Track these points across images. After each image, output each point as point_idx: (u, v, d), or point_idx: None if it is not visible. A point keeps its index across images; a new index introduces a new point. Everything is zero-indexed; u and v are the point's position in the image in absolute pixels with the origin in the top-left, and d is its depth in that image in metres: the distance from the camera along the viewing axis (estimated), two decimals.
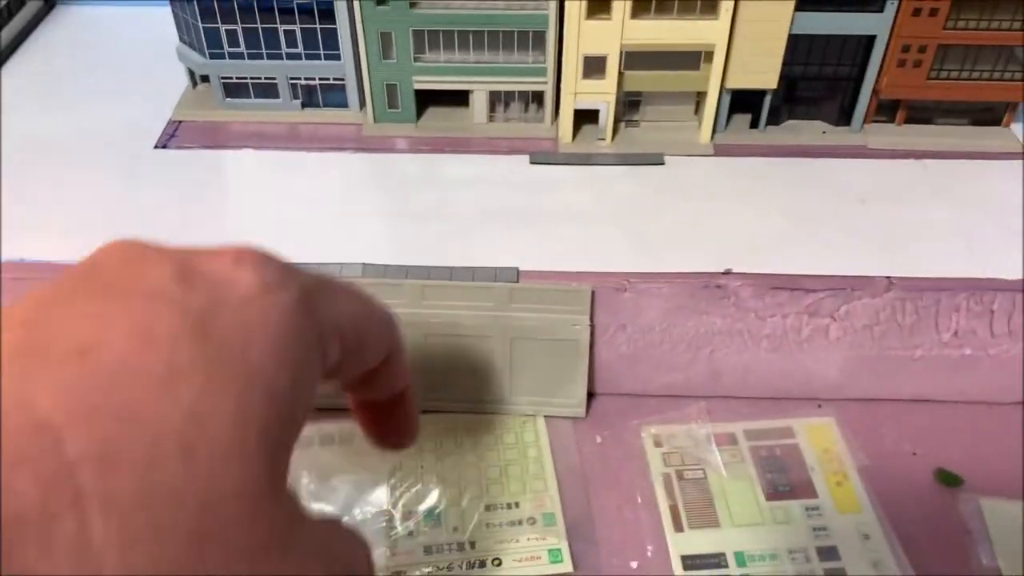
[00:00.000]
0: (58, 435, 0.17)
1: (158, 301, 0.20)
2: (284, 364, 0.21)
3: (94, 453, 0.17)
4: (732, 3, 0.50)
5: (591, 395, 0.51)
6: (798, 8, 0.51)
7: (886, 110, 0.57)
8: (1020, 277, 0.46)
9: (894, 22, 0.52)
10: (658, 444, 0.48)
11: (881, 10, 0.51)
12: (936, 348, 0.48)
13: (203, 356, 0.19)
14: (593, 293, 0.46)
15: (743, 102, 0.56)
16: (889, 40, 0.52)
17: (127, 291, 0.20)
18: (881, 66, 0.53)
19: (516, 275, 0.47)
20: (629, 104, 0.57)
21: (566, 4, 0.51)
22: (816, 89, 0.56)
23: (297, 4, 0.54)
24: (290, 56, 0.56)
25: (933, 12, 0.51)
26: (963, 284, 0.46)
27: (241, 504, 0.19)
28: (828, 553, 0.43)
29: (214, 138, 0.57)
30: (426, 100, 0.58)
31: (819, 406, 0.50)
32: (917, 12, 0.51)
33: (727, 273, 0.47)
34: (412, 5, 0.52)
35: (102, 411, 0.17)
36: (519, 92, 0.56)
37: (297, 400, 0.21)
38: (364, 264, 0.47)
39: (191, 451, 0.18)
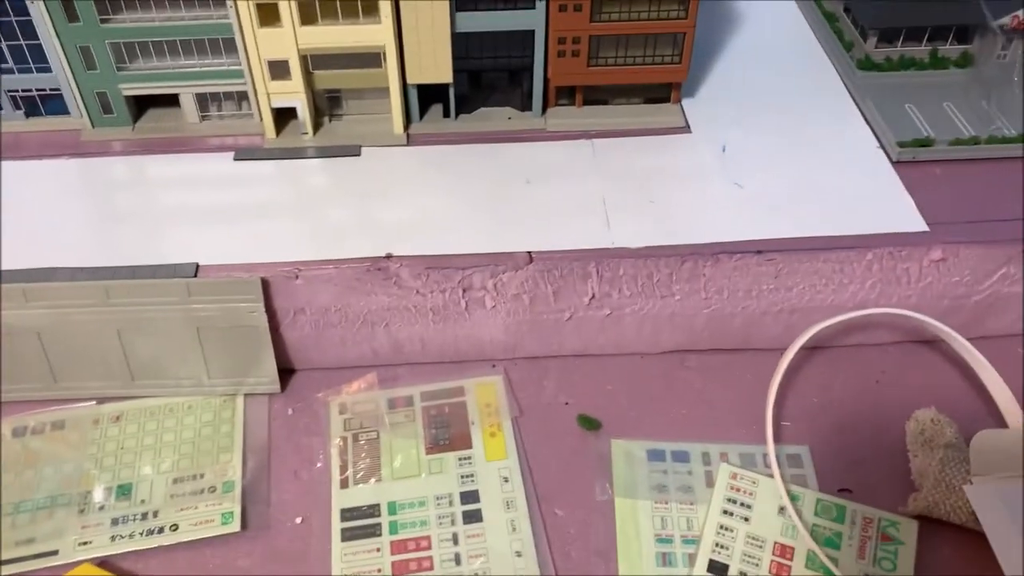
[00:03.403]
0: None
1: None
2: None
3: None
4: (389, 7, 0.54)
5: (291, 371, 0.56)
6: (458, 9, 0.56)
7: (568, 94, 0.63)
8: (642, 245, 0.53)
9: (547, 17, 0.57)
10: (342, 411, 0.54)
11: (533, 7, 0.56)
12: (581, 310, 0.55)
13: None
14: (267, 282, 0.52)
15: (437, 94, 0.62)
16: (547, 34, 0.58)
17: None
18: (546, 56, 0.59)
19: (195, 270, 0.52)
20: (332, 100, 0.62)
21: (240, 12, 0.55)
22: (499, 79, 0.62)
23: None
24: (3, 71, 0.59)
25: (578, 8, 0.56)
26: (593, 255, 0.53)
27: None
28: (470, 496, 0.50)
29: None
30: (146, 103, 0.62)
31: (493, 366, 0.57)
32: (564, 8, 0.56)
33: (388, 257, 0.52)
34: (104, 20, 0.56)
35: None
36: (225, 93, 0.61)
37: None
38: (55, 268, 0.52)
39: None
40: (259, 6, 0.54)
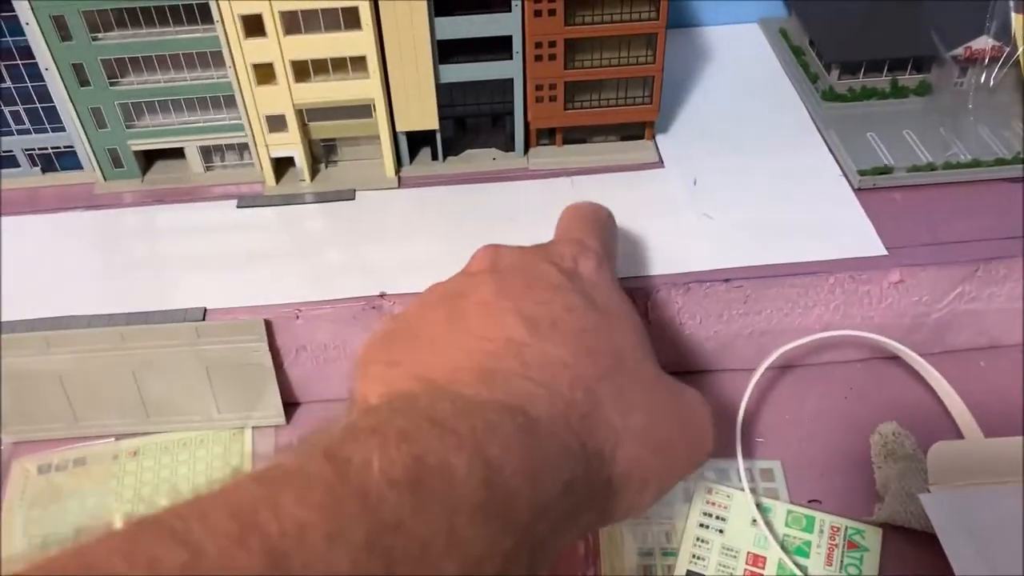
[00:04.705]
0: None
1: (567, 291, 0.41)
2: (623, 297, 0.44)
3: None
4: (376, 63, 0.59)
5: (296, 404, 0.60)
6: (441, 62, 0.60)
7: (548, 134, 0.67)
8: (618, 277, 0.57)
9: (524, 67, 0.61)
10: None
11: (511, 57, 0.61)
12: None
13: (599, 315, 0.41)
14: (269, 323, 0.56)
15: (425, 138, 0.66)
16: (525, 81, 0.62)
17: (543, 284, 0.41)
18: (525, 102, 0.63)
19: (203, 314, 0.56)
20: (328, 147, 0.66)
21: (239, 72, 0.59)
22: (483, 123, 0.66)
23: (14, 88, 0.61)
24: (20, 132, 0.64)
25: (552, 57, 0.60)
26: None
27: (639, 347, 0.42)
28: None
29: None
30: (154, 156, 0.66)
31: None
32: (539, 58, 0.60)
33: (382, 296, 0.56)
34: (112, 83, 0.60)
35: (582, 343, 0.39)
36: (227, 144, 0.65)
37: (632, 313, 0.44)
38: (74, 316, 0.56)
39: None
40: (256, 66, 0.58)
